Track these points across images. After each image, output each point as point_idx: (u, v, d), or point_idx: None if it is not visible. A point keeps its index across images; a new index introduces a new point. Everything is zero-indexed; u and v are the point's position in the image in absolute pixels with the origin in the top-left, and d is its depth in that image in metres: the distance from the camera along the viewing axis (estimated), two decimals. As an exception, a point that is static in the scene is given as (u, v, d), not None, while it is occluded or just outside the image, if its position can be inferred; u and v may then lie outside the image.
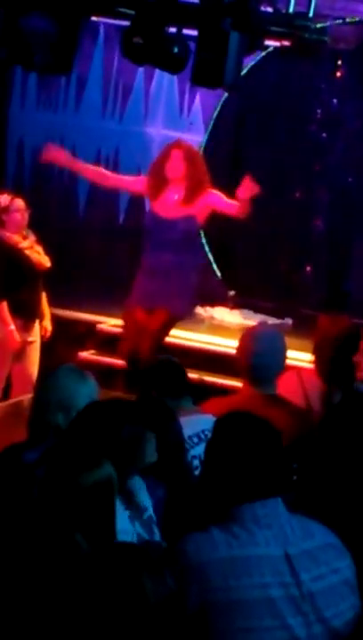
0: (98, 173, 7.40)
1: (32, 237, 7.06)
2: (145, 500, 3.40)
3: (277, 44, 7.63)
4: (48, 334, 7.23)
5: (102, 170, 7.58)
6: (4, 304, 6.88)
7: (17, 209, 6.99)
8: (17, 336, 6.90)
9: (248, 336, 4.75)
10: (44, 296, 7.19)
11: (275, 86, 9.21)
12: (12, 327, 6.87)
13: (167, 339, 7.40)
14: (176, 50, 6.16)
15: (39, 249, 7.06)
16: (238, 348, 4.73)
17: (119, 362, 7.11)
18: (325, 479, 3.41)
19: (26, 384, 7.08)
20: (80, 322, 8.18)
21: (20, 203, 7.03)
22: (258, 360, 4.56)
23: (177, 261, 6.97)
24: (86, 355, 7.95)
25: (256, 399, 4.43)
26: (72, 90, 9.86)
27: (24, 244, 6.99)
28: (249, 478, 2.83)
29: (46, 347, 7.25)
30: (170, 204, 6.96)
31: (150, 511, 3.40)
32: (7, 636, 2.43)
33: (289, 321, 9.08)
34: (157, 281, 6.95)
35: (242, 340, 4.73)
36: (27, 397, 6.71)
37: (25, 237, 7.02)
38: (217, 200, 7.06)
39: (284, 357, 4.70)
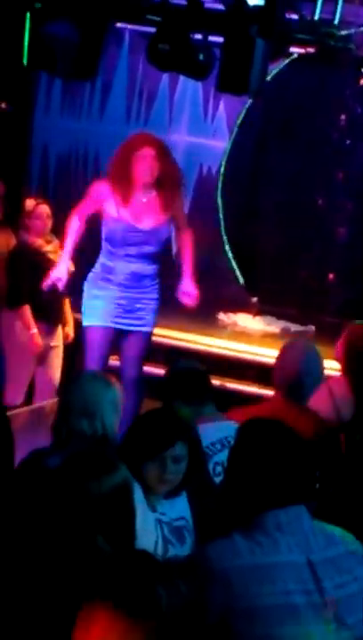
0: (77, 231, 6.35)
1: (56, 242, 7.08)
2: (182, 508, 3.41)
3: (301, 50, 7.64)
4: (70, 340, 7.24)
5: (72, 225, 6.37)
6: (27, 308, 6.90)
7: (39, 215, 7.03)
8: (39, 340, 6.93)
9: (293, 351, 4.72)
10: (67, 302, 7.20)
11: (299, 93, 9.21)
12: (35, 331, 6.90)
13: (190, 345, 7.40)
14: (202, 56, 6.16)
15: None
16: (281, 361, 4.69)
17: (144, 368, 7.08)
18: (348, 488, 3.40)
19: (48, 389, 7.11)
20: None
21: (43, 209, 7.06)
22: (302, 377, 4.55)
23: (148, 273, 6.27)
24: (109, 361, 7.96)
25: (285, 408, 4.42)
26: (96, 96, 9.88)
27: (47, 248, 7.02)
28: (273, 485, 2.83)
29: (69, 352, 7.27)
30: (141, 209, 6.19)
31: (186, 519, 3.41)
32: (25, 635, 2.44)
33: (312, 328, 9.08)
34: (128, 297, 6.23)
35: (286, 354, 4.70)
36: (49, 403, 6.76)
37: (49, 242, 7.05)
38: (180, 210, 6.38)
39: (323, 373, 4.70)
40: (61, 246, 7.03)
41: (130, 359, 6.34)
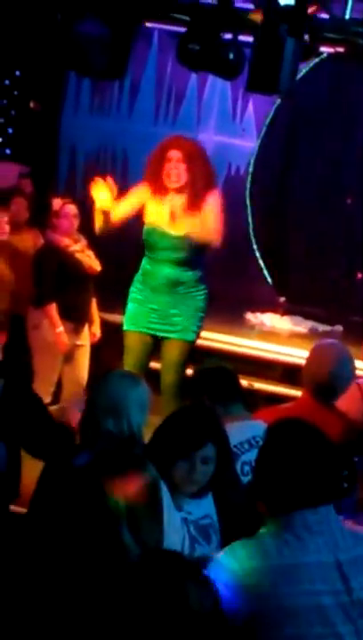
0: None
1: (83, 241, 7.10)
2: (207, 507, 3.41)
3: (331, 50, 7.62)
4: (96, 339, 7.25)
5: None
6: (53, 306, 6.92)
7: (66, 214, 7.04)
8: (65, 338, 6.94)
9: (324, 352, 4.70)
10: (94, 301, 7.22)
11: (328, 92, 9.19)
12: (61, 329, 6.91)
13: (217, 345, 7.39)
14: (232, 56, 6.15)
15: (90, 253, 7.10)
16: (312, 362, 4.67)
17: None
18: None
19: (75, 388, 7.12)
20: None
21: (70, 208, 7.07)
22: (333, 379, 4.54)
23: (184, 280, 6.12)
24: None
25: (313, 409, 4.41)
26: (125, 95, 9.90)
27: (75, 247, 7.04)
28: (301, 485, 2.82)
29: (95, 351, 7.28)
30: (173, 214, 6.06)
31: (211, 518, 3.41)
32: (52, 634, 2.44)
33: (339, 328, 9.06)
34: (162, 302, 6.13)
35: (317, 355, 4.69)
36: (74, 402, 6.77)
37: (76, 241, 7.07)
38: (211, 203, 6.11)
39: (353, 374, 4.68)
40: (88, 246, 7.04)
41: (165, 365, 6.22)
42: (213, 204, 6.09)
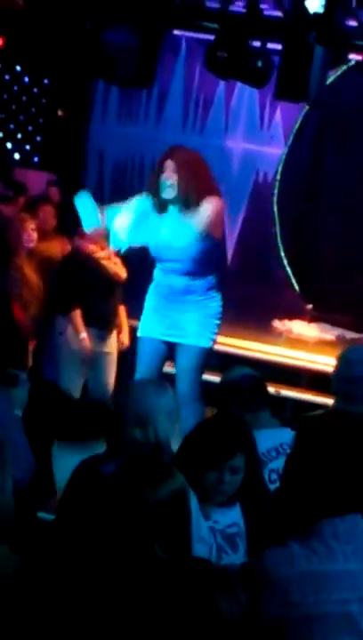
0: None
1: (111, 249, 7.11)
2: (234, 515, 3.40)
3: (359, 57, 7.60)
4: (125, 346, 7.25)
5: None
6: (78, 312, 6.93)
7: None
8: (88, 344, 6.94)
9: (344, 357, 4.70)
10: (122, 309, 7.22)
11: (356, 100, 9.16)
12: (84, 335, 6.92)
13: (245, 352, 7.38)
14: (260, 64, 6.15)
15: (117, 260, 7.11)
16: (337, 369, 4.67)
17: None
18: None
19: (101, 396, 7.13)
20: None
21: None
22: (351, 382, 4.53)
23: (195, 288, 6.10)
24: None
25: (343, 418, 4.40)
26: (153, 103, 9.92)
27: (101, 254, 7.04)
28: (330, 493, 2.82)
29: (123, 359, 7.28)
30: (173, 225, 6.01)
31: (239, 527, 3.40)
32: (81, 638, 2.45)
33: (367, 335, 9.03)
34: (175, 309, 6.12)
35: (341, 362, 4.68)
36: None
37: (103, 248, 7.08)
38: (207, 214, 5.98)
39: None
40: (116, 254, 7.04)
41: (179, 373, 6.23)
42: (206, 207, 5.97)
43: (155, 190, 6.03)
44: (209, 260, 6.10)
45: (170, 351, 6.24)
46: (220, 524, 3.37)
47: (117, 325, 7.22)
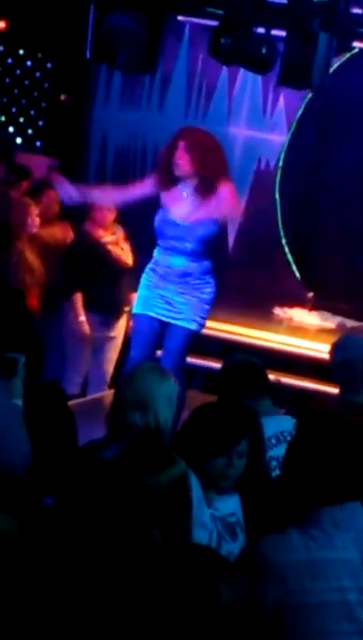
0: (102, 195, 6.62)
1: (120, 234, 7.09)
2: (234, 504, 3.40)
3: (363, 45, 7.59)
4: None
5: (107, 188, 6.81)
6: (79, 296, 6.93)
7: (100, 207, 7.05)
8: (86, 328, 6.94)
9: (337, 344, 4.72)
10: (132, 294, 7.18)
11: (359, 87, 9.13)
12: (83, 319, 6.93)
13: (246, 339, 7.38)
14: (264, 50, 6.13)
15: (125, 246, 7.10)
16: (333, 357, 4.70)
17: (199, 361, 7.09)
18: None
19: (99, 381, 7.14)
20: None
21: None
22: (347, 368, 4.55)
23: (192, 271, 6.18)
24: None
25: (346, 408, 4.42)
26: (156, 89, 9.88)
27: (108, 238, 7.04)
28: (330, 482, 2.82)
29: (127, 344, 7.28)
30: (182, 204, 6.13)
31: (237, 517, 3.40)
32: (80, 627, 2.45)
33: (368, 324, 9.02)
34: (170, 289, 6.19)
35: (332, 348, 4.71)
36: (105, 394, 6.79)
37: (113, 233, 7.07)
38: (226, 197, 6.14)
39: None
40: (125, 239, 7.04)
41: (166, 351, 6.30)
42: (225, 192, 6.10)
43: (167, 168, 6.12)
44: (210, 245, 6.18)
45: (162, 330, 6.29)
46: (220, 512, 3.37)
47: (127, 312, 7.18)
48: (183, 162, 6.04)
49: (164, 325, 6.26)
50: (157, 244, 6.27)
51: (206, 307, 6.25)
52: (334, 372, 4.67)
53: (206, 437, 3.32)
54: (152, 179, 6.31)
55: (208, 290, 6.24)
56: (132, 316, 6.48)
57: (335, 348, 4.72)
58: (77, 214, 7.41)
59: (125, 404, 3.78)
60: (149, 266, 6.33)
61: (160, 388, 3.79)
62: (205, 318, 6.27)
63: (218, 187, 6.06)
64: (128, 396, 3.81)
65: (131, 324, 7.18)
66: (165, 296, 6.20)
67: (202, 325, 6.30)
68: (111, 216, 7.07)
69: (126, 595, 2.41)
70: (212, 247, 6.20)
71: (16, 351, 3.93)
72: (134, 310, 6.39)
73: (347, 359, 4.60)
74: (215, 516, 3.32)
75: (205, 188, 6.05)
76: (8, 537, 2.63)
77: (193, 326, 6.23)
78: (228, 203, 6.09)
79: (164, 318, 6.23)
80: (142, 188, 6.31)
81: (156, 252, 6.28)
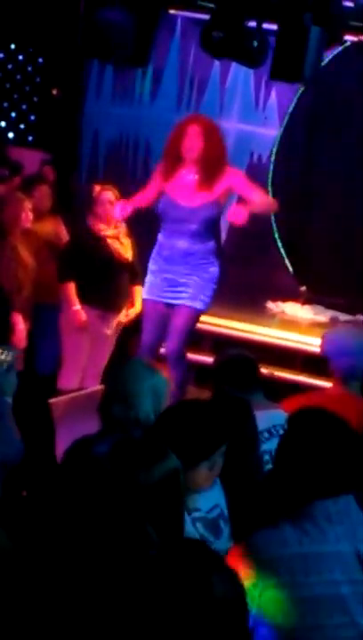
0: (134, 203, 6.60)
1: (122, 229, 7.08)
2: (215, 496, 3.36)
3: (355, 38, 7.58)
4: (127, 318, 7.20)
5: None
6: (72, 285, 6.92)
7: (102, 201, 7.03)
8: (82, 316, 6.93)
9: (332, 336, 4.73)
10: (137, 289, 7.16)
11: (352, 81, 9.13)
12: (78, 307, 6.92)
13: (239, 333, 7.39)
14: (256, 44, 6.13)
15: (125, 241, 7.08)
16: (324, 351, 4.71)
17: (192, 355, 7.07)
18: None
19: (93, 375, 7.12)
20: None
21: (106, 195, 7.06)
22: (346, 359, 4.56)
23: (195, 251, 6.38)
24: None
25: (341, 398, 4.42)
26: (148, 83, 9.88)
27: (107, 233, 7.02)
28: (323, 475, 2.82)
29: (121, 339, 7.28)
30: (187, 188, 6.36)
31: (220, 507, 3.37)
32: (73, 623, 2.45)
33: (360, 317, 9.04)
34: (174, 271, 6.41)
35: (325, 340, 4.72)
36: (99, 389, 6.78)
37: (116, 227, 7.05)
38: (239, 181, 6.44)
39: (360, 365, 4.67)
40: (128, 235, 7.05)
41: (171, 332, 6.45)
42: (244, 180, 6.44)
43: (175, 154, 6.35)
44: (212, 226, 6.42)
45: (169, 313, 6.46)
46: (201, 512, 3.30)
47: (125, 307, 7.18)
48: (196, 146, 6.26)
49: (170, 308, 6.44)
50: (160, 228, 6.47)
51: (212, 285, 6.45)
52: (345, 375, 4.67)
53: (190, 444, 3.15)
54: (156, 174, 6.57)
55: (212, 269, 6.44)
56: (142, 301, 6.68)
57: (343, 353, 4.71)
58: (81, 208, 7.41)
59: (107, 397, 3.80)
60: (154, 250, 6.52)
61: (143, 381, 3.79)
62: (210, 297, 6.46)
63: (222, 171, 6.31)
64: (111, 389, 3.84)
65: (129, 312, 7.24)
66: (170, 278, 6.40)
67: (207, 304, 6.48)
68: (113, 210, 7.05)
69: (119, 590, 2.41)
70: (213, 229, 6.44)
71: None
72: (143, 296, 6.60)
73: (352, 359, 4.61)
74: (196, 519, 3.25)
75: (211, 172, 6.29)
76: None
77: (197, 305, 6.42)
78: (266, 198, 6.53)
79: (169, 300, 6.43)
80: (152, 187, 6.53)
81: (159, 236, 6.48)
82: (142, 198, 6.54)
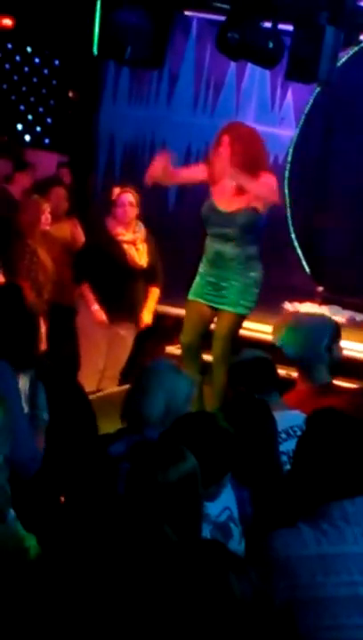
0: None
1: (140, 233, 7.07)
2: (224, 498, 3.36)
3: (371, 38, 7.56)
4: (143, 325, 7.22)
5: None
6: (87, 286, 6.94)
7: (121, 203, 7.04)
8: (102, 316, 6.95)
9: (280, 326, 4.76)
10: (153, 291, 7.18)
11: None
12: (96, 307, 6.94)
13: (255, 334, 7.39)
14: (272, 45, 6.13)
15: (142, 247, 7.07)
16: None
17: (208, 357, 7.08)
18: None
19: (111, 377, 7.13)
20: (169, 316, 8.20)
21: (126, 197, 7.06)
22: (291, 351, 4.59)
23: (235, 255, 6.53)
24: (174, 349, 7.99)
25: (308, 392, 4.43)
26: (164, 84, 9.88)
27: (124, 237, 7.01)
28: (341, 476, 2.82)
29: (136, 340, 7.29)
30: (226, 194, 6.56)
31: (230, 510, 3.37)
32: (91, 623, 2.45)
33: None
34: (216, 275, 6.58)
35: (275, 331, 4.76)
36: (115, 390, 6.80)
37: (134, 232, 7.05)
38: (265, 182, 6.54)
39: (320, 347, 4.66)
40: (145, 240, 7.08)
41: (214, 336, 6.60)
42: (265, 177, 6.51)
43: (214, 161, 6.53)
44: (253, 232, 6.55)
45: (212, 316, 6.63)
46: (210, 516, 3.31)
47: (139, 312, 7.19)
48: (225, 155, 6.40)
49: (214, 311, 6.59)
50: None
51: (253, 290, 6.60)
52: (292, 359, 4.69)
53: (201, 468, 2.93)
54: (201, 166, 6.79)
55: (252, 274, 6.58)
56: (186, 301, 6.79)
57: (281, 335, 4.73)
58: (97, 210, 7.42)
59: (129, 393, 3.82)
60: (204, 253, 6.70)
61: (161, 380, 3.80)
62: (253, 301, 6.62)
63: (255, 176, 6.43)
64: (132, 386, 3.87)
65: (144, 318, 7.26)
66: (213, 282, 6.56)
67: (249, 309, 6.64)
68: (133, 213, 7.05)
69: (137, 590, 2.41)
70: (252, 234, 6.55)
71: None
72: (189, 297, 6.72)
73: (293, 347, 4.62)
74: (204, 525, 3.22)
75: (243, 181, 6.43)
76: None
77: (239, 310, 6.57)
78: (266, 187, 6.47)
79: (212, 304, 6.58)
80: (197, 173, 6.77)
81: (206, 240, 6.66)
82: (182, 172, 6.81)
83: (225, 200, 6.53)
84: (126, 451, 3.05)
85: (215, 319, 6.66)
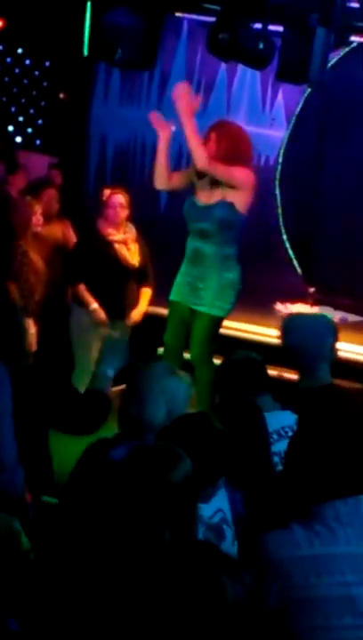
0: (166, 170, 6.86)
1: (131, 234, 7.08)
2: (218, 500, 3.36)
3: (361, 39, 7.57)
4: (131, 322, 7.22)
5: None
6: (82, 286, 6.94)
7: (112, 205, 7.05)
8: (101, 315, 6.95)
9: (282, 326, 4.75)
10: (145, 292, 7.18)
11: (358, 82, 9.12)
12: (95, 306, 6.94)
13: (246, 335, 7.41)
14: (262, 46, 6.15)
15: (133, 247, 7.09)
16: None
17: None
18: None
19: (101, 379, 7.12)
20: (160, 317, 8.19)
21: (116, 198, 7.08)
22: (294, 351, 4.58)
23: (213, 253, 6.52)
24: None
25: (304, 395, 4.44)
26: (155, 85, 9.88)
27: (115, 237, 7.02)
28: (333, 476, 2.82)
29: (136, 341, 7.30)
30: (206, 189, 6.62)
31: (223, 512, 3.37)
32: (88, 625, 2.45)
33: (371, 318, 9.04)
34: (193, 275, 6.57)
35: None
36: (113, 390, 6.79)
37: (125, 232, 7.05)
38: (236, 171, 6.57)
39: (325, 345, 4.65)
40: (136, 240, 7.08)
41: (191, 337, 6.58)
42: (236, 168, 6.51)
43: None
44: (229, 227, 6.51)
45: (191, 316, 6.61)
46: (203, 518, 3.32)
47: (130, 312, 7.19)
48: (210, 151, 6.45)
49: (192, 312, 6.57)
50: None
51: (230, 292, 6.55)
52: (288, 357, 4.67)
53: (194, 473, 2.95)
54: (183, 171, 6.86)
55: (228, 275, 6.53)
56: (169, 302, 6.81)
57: (285, 333, 4.71)
58: (89, 211, 7.42)
59: (125, 396, 3.81)
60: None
61: (158, 382, 3.80)
62: (229, 302, 6.58)
63: (226, 173, 6.49)
64: (127, 389, 3.87)
65: (133, 316, 7.27)
66: (190, 282, 6.56)
67: (225, 310, 6.59)
68: (123, 214, 7.06)
69: (131, 591, 2.41)
70: (234, 233, 6.54)
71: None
72: (170, 297, 6.74)
73: (299, 344, 4.60)
74: (199, 524, 3.24)
75: (218, 174, 6.47)
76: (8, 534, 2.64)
77: (214, 311, 6.54)
78: (237, 172, 6.49)
79: (190, 305, 6.57)
80: (183, 176, 6.81)
81: (187, 239, 6.65)
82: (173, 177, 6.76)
83: (204, 194, 6.55)
84: (127, 456, 3.05)
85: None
